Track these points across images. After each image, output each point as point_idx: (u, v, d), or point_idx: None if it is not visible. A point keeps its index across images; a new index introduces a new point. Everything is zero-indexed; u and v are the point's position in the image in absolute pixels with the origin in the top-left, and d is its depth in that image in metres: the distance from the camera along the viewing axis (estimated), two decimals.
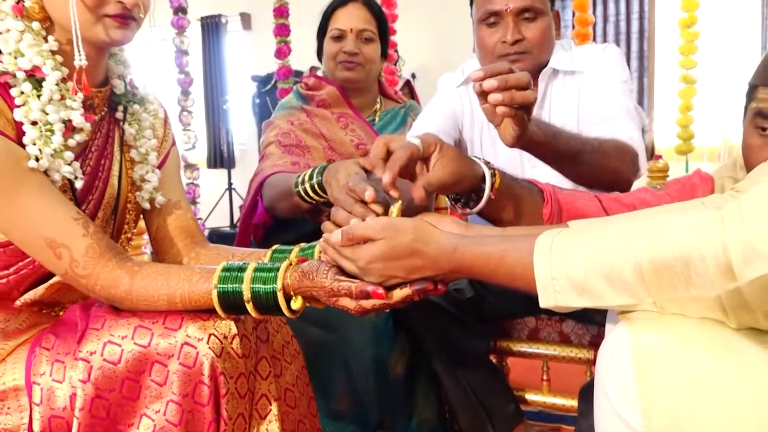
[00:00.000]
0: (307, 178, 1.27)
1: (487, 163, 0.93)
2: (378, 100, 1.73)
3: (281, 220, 1.58)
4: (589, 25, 2.56)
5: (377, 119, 1.70)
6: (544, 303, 0.66)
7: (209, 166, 6.27)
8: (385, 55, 1.70)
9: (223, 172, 5.90)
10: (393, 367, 1.36)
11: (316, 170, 1.25)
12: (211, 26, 6.35)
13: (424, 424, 1.40)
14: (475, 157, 0.95)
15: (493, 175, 0.91)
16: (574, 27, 2.73)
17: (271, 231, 1.61)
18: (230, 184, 5.76)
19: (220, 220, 5.72)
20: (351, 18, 1.60)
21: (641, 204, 1.00)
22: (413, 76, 5.43)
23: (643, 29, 5.13)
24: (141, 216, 1.10)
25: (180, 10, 2.54)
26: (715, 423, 0.52)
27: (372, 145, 1.63)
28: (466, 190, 0.92)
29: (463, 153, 0.94)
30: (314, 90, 1.67)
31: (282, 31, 2.39)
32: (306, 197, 1.29)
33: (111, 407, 0.81)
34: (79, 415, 0.80)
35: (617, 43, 5.17)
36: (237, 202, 5.72)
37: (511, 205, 0.93)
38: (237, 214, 5.63)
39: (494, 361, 1.50)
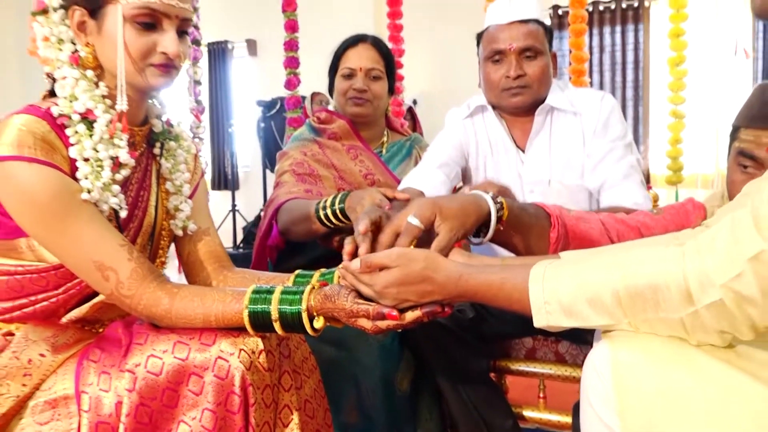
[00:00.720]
0: (329, 203, 1.38)
1: (494, 197, 1.00)
2: (385, 133, 1.84)
3: (293, 244, 1.68)
4: (584, 62, 2.70)
5: (384, 151, 1.81)
6: (537, 323, 0.76)
7: (213, 188, 6.39)
8: (391, 91, 1.82)
9: (227, 193, 6.01)
10: (399, 384, 1.45)
11: (338, 197, 1.37)
12: (218, 52, 6.52)
13: None
14: (482, 191, 1.03)
15: (500, 209, 0.99)
16: (570, 63, 2.87)
17: (283, 254, 1.72)
18: (234, 205, 5.87)
19: (223, 241, 5.79)
20: (360, 58, 1.72)
21: (642, 226, 1.10)
22: (414, 102, 5.57)
23: (638, 60, 5.29)
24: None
25: (194, 42, 2.67)
26: (680, 423, 0.62)
27: (378, 174, 1.75)
28: (477, 225, 1.01)
29: (467, 199, 1.01)
30: (326, 123, 1.79)
31: (291, 63, 2.52)
32: (326, 221, 1.39)
33: (153, 414, 0.91)
34: (125, 421, 0.89)
35: (612, 72, 5.33)
36: (240, 223, 5.82)
37: (521, 232, 1.02)
38: (240, 235, 5.73)
39: (494, 379, 1.59)
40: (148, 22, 0.98)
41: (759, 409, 0.60)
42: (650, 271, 0.66)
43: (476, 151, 1.63)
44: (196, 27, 2.75)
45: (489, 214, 0.99)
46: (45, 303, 1.02)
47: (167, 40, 0.99)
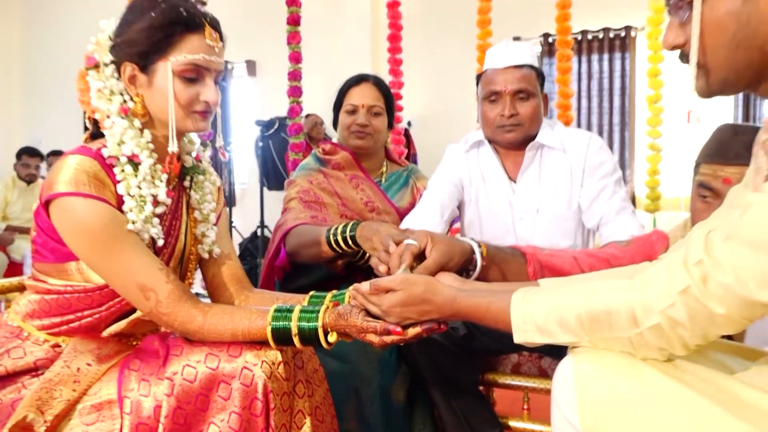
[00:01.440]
0: (339, 230, 1.54)
1: (472, 239, 1.23)
2: (384, 163, 2.01)
3: (298, 266, 1.83)
4: (570, 98, 2.88)
5: (383, 180, 1.98)
6: (516, 339, 0.92)
7: None
8: (390, 126, 1.99)
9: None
10: (396, 394, 1.60)
11: (349, 226, 1.53)
12: None
13: None
14: (462, 238, 1.26)
15: (479, 246, 1.20)
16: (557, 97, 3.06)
17: (289, 274, 1.87)
18: (231, 221, 6.00)
19: None
20: (363, 95, 1.89)
21: (612, 258, 1.27)
22: (409, 123, 5.75)
23: (624, 86, 5.49)
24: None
25: None
26: (628, 422, 0.77)
27: (378, 201, 1.92)
28: (460, 265, 1.21)
29: (453, 237, 1.26)
30: (330, 155, 1.95)
31: (295, 92, 2.68)
32: (335, 246, 1.55)
33: (187, 416, 1.05)
34: (164, 422, 1.04)
35: (600, 98, 5.53)
36: (236, 239, 5.95)
37: (500, 269, 1.22)
38: (237, 251, 5.84)
39: (482, 391, 1.74)
40: (193, 76, 1.14)
41: (691, 411, 0.76)
42: (606, 299, 0.81)
43: (470, 183, 1.79)
44: None
45: (471, 249, 1.20)
46: (89, 319, 1.17)
47: (209, 91, 1.16)
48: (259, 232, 5.55)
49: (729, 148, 1.26)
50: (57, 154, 5.60)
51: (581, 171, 1.68)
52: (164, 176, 1.17)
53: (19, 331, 1.18)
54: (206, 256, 1.31)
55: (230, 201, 6.28)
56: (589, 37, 5.53)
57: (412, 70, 5.20)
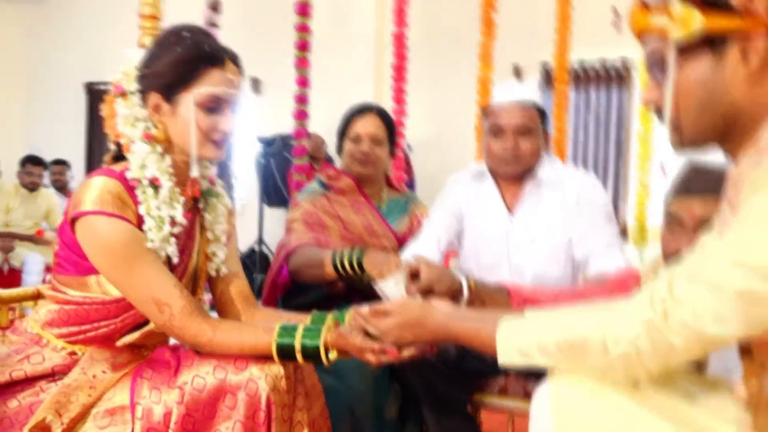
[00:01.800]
0: (346, 255, 1.66)
1: (462, 273, 1.38)
2: (385, 190, 2.11)
3: (299, 285, 1.93)
4: (564, 135, 3.00)
5: (384, 206, 2.08)
6: (501, 361, 1.01)
7: None
8: (392, 155, 2.09)
9: None
10: (388, 411, 1.68)
11: (355, 251, 1.64)
12: None
13: None
14: (454, 268, 1.40)
15: (467, 279, 1.32)
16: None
17: (290, 292, 1.96)
18: None
19: None
20: (366, 125, 2.00)
21: (590, 294, 1.37)
22: (409, 147, 5.85)
23: (621, 119, 5.62)
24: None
25: None
26: None
27: (377, 226, 2.02)
28: (450, 293, 1.33)
29: (444, 268, 1.44)
30: (334, 180, 2.05)
31: (302, 116, 2.79)
32: (341, 269, 1.66)
33: (195, 423, 1.13)
34: (173, 428, 1.12)
35: (597, 130, 5.66)
36: None
37: (486, 303, 1.33)
38: None
39: (470, 411, 1.82)
40: (213, 106, 1.24)
41: None
42: (582, 328, 0.90)
43: (469, 212, 1.89)
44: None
45: (459, 281, 1.31)
46: (105, 329, 1.25)
47: (226, 121, 1.25)
48: (256, 248, 5.63)
49: (692, 182, 1.36)
50: (59, 163, 5.70)
51: (575, 206, 1.78)
52: (182, 199, 1.27)
53: (39, 339, 1.26)
54: (213, 273, 1.40)
55: None
56: (586, 68, 5.67)
57: (414, 96, 5.34)
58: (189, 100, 1.23)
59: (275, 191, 5.89)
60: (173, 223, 1.25)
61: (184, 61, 1.23)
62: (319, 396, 1.33)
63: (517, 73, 5.75)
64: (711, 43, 0.85)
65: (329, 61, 5.92)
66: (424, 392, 1.66)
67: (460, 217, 1.89)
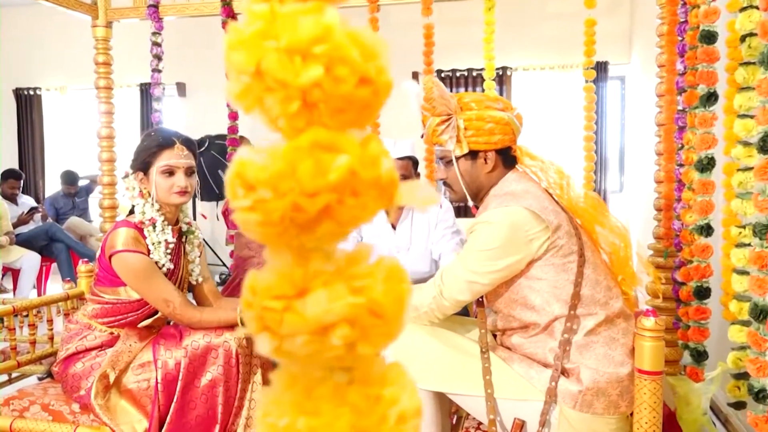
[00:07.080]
0: None
1: None
2: None
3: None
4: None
5: None
6: None
7: None
8: None
9: None
10: None
11: None
12: (150, 92, 7.31)
13: None
14: None
15: None
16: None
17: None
18: None
19: None
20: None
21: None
22: None
23: None
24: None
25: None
26: (412, 355, 1.76)
27: None
28: None
29: None
30: None
31: (234, 116, 3.52)
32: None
33: (195, 369, 1.95)
34: (182, 372, 1.93)
35: None
36: None
37: None
38: None
39: None
40: (169, 172, 2.02)
41: (438, 351, 1.74)
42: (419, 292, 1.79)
43: (365, 227, 2.76)
44: (158, 70, 3.75)
45: None
46: (131, 318, 2.04)
47: (179, 180, 2.02)
48: None
49: None
50: (17, 177, 6.11)
51: (435, 224, 2.70)
52: (169, 228, 2.05)
53: (89, 326, 2.04)
54: (194, 282, 2.21)
55: None
56: (458, 75, 6.61)
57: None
58: (154, 171, 2.01)
59: (206, 187, 6.55)
60: (167, 244, 2.04)
61: (148, 148, 2.01)
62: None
63: None
64: (472, 154, 1.74)
65: None
66: None
67: (359, 230, 2.76)
